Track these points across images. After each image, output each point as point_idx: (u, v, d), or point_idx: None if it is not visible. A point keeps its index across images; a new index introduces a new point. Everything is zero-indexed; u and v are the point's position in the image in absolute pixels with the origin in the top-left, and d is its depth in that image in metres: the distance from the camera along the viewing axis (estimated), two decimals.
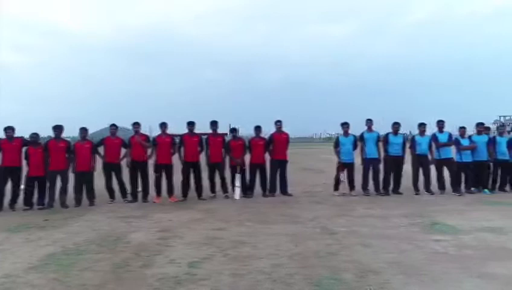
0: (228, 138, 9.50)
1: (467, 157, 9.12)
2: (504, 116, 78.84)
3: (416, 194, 8.97)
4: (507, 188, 9.36)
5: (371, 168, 9.09)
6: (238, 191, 8.68)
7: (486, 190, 9.10)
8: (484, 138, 9.22)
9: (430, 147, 9.19)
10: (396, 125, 9.19)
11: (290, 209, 7.38)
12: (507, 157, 9.23)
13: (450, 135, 9.28)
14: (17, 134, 8.08)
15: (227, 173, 8.95)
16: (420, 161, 9.14)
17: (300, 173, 13.50)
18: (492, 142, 9.22)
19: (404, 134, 9.41)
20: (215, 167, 8.81)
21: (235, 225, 6.08)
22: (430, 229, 5.65)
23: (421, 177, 9.10)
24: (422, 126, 9.25)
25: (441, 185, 9.11)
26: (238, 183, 8.72)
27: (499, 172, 9.28)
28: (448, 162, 9.15)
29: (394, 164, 9.08)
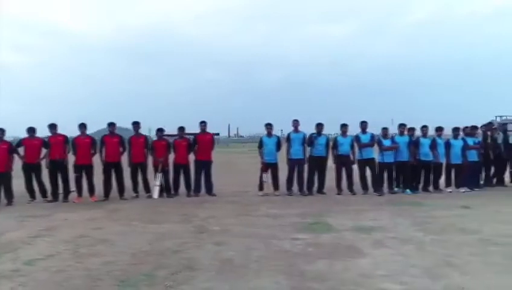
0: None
1: (389, 158, 9.21)
2: (500, 117, 78.98)
3: (338, 194, 9.07)
4: (430, 188, 9.45)
5: (296, 168, 9.20)
6: (156, 190, 8.81)
7: (408, 190, 9.20)
8: (406, 139, 9.31)
9: (352, 147, 9.29)
10: (319, 127, 9.30)
11: (195, 209, 7.46)
12: (430, 158, 9.34)
13: (372, 136, 9.37)
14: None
15: (151, 173, 9.08)
16: (342, 161, 9.24)
17: (246, 173, 13.45)
18: (414, 143, 9.31)
19: (327, 135, 9.53)
20: (137, 167, 8.93)
21: (119, 224, 6.21)
22: (303, 228, 5.74)
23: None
24: (344, 127, 9.37)
25: (364, 185, 9.21)
26: (157, 182, 8.85)
27: (422, 172, 9.39)
28: (370, 162, 9.24)
29: (317, 164, 9.19)
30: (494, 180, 10.20)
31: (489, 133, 10.29)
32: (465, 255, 4.36)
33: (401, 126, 9.49)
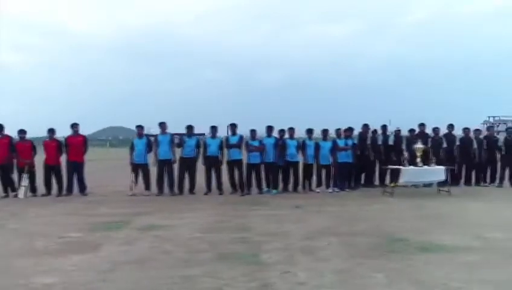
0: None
1: (256, 159, 9.43)
2: (493, 117, 78.93)
3: (205, 194, 9.29)
4: (299, 188, 9.67)
5: (165, 169, 9.41)
6: (22, 190, 9.03)
7: (274, 191, 9.42)
8: (272, 140, 9.54)
9: (221, 149, 9.50)
10: (189, 129, 9.53)
11: (41, 209, 7.64)
12: (297, 159, 9.57)
13: (240, 137, 9.58)
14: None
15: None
16: (211, 162, 9.45)
17: None
18: (281, 145, 9.53)
19: (197, 137, 9.78)
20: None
21: None
22: (97, 228, 5.92)
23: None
24: (213, 129, 9.61)
25: (232, 185, 9.43)
26: (23, 183, 9.07)
27: (290, 173, 9.62)
28: (237, 163, 9.45)
29: (187, 165, 9.42)
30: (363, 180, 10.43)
31: (369, 134, 10.52)
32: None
33: (269, 128, 9.69)
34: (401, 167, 8.95)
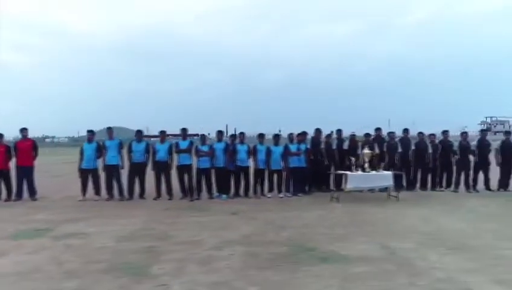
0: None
1: (205, 164, 9.39)
2: (491, 117, 79.06)
3: (155, 199, 9.25)
4: (250, 194, 9.63)
5: (113, 174, 9.37)
6: None
7: (224, 196, 9.37)
8: (222, 145, 9.52)
9: (170, 153, 9.47)
10: (139, 133, 9.50)
11: None
12: (247, 164, 9.55)
13: (190, 142, 9.54)
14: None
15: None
16: (160, 168, 9.40)
17: None
18: (231, 150, 9.48)
19: (147, 141, 9.76)
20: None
21: None
22: (19, 235, 5.89)
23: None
24: (162, 134, 9.60)
25: (182, 190, 9.40)
26: None
27: (242, 178, 9.59)
28: (187, 168, 9.38)
29: (137, 170, 9.39)
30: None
31: (323, 139, 10.48)
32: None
33: (220, 133, 9.68)
34: (347, 172, 8.91)
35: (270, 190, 9.71)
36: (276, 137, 9.90)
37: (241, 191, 9.63)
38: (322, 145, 10.30)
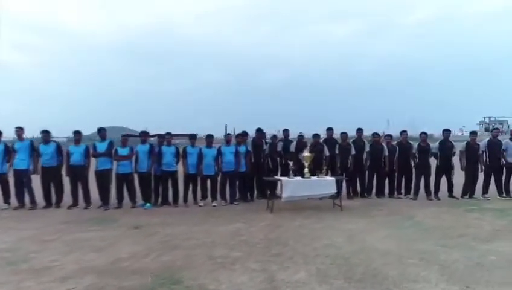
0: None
1: (126, 168, 8.34)
2: (489, 117, 77.78)
3: (70, 207, 8.23)
4: (179, 202, 8.56)
5: (23, 180, 8.32)
6: None
7: (148, 204, 8.32)
8: (146, 148, 8.49)
9: (87, 157, 8.40)
10: (45, 134, 8.42)
11: None
12: (174, 168, 8.50)
13: (109, 143, 8.43)
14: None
15: None
16: (74, 172, 8.35)
17: None
18: (156, 153, 8.45)
19: (56, 142, 8.68)
20: None
21: None
22: None
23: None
24: (77, 135, 8.51)
25: (102, 198, 8.34)
26: None
27: (169, 184, 8.54)
28: (105, 173, 8.32)
29: (47, 175, 8.33)
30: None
31: (267, 140, 9.43)
32: None
33: (144, 134, 8.63)
34: (282, 178, 7.82)
35: (203, 197, 8.64)
36: (209, 138, 8.79)
37: (171, 198, 8.57)
38: (264, 147, 9.23)
